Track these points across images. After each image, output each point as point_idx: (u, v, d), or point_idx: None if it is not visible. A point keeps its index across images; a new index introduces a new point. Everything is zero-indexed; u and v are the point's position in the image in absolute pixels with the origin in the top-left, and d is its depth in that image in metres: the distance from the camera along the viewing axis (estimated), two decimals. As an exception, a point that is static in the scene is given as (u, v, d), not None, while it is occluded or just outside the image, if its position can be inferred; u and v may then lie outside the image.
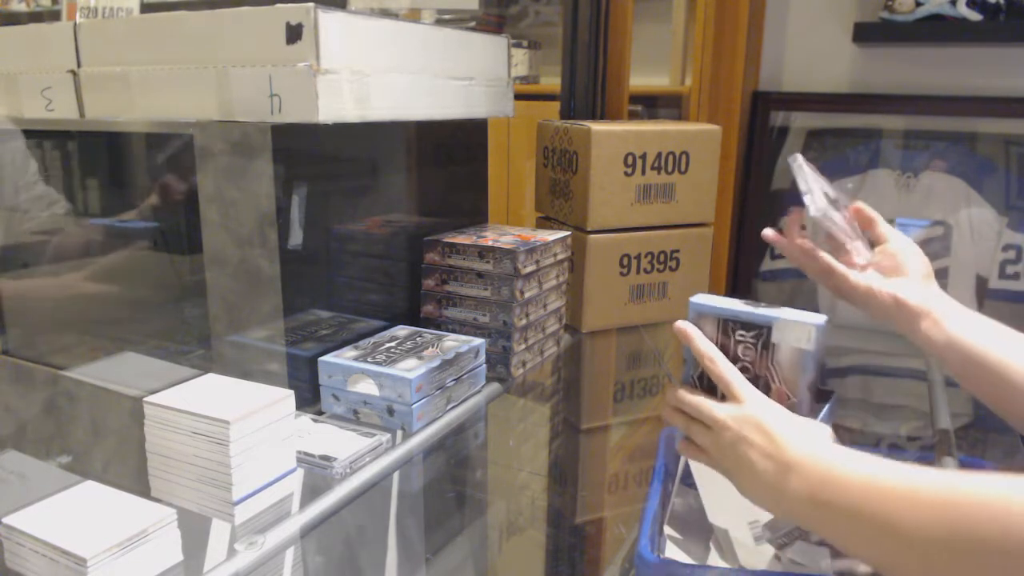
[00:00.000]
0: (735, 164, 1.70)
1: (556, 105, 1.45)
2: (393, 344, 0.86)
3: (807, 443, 0.53)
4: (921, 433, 0.99)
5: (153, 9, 0.93)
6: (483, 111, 1.01)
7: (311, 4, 0.71)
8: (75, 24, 0.85)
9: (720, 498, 0.67)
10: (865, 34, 1.62)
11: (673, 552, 0.65)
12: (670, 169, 1.18)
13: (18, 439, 0.89)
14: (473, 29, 1.00)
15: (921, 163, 1.67)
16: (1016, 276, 1.59)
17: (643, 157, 1.15)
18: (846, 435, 0.92)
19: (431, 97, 0.90)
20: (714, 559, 0.65)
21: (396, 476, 0.75)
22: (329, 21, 0.73)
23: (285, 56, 0.73)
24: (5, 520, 0.56)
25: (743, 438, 0.56)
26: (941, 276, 1.63)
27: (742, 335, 0.61)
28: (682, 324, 0.62)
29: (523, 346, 0.96)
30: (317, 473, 0.70)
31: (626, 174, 1.14)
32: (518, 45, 2.16)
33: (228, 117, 0.77)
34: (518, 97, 1.10)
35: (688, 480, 0.70)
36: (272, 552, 0.60)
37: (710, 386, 0.61)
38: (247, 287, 0.79)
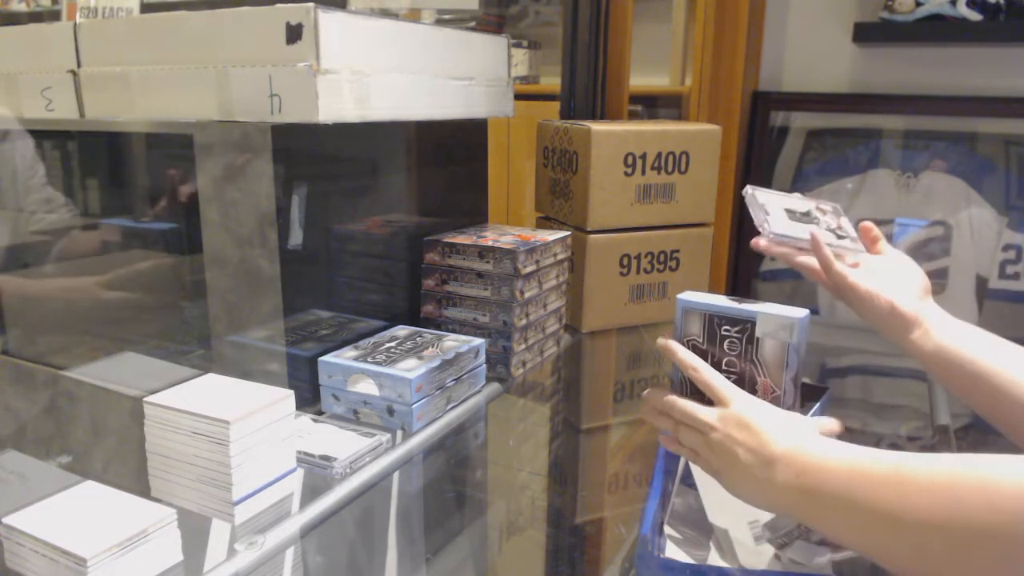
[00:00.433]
0: (735, 164, 1.70)
1: (556, 105, 1.45)
2: (393, 344, 0.86)
3: (791, 436, 0.54)
4: (921, 433, 0.99)
5: (153, 9, 0.93)
6: (483, 111, 1.01)
7: (311, 4, 0.71)
8: (75, 24, 0.85)
9: (720, 498, 0.67)
10: (865, 34, 1.62)
11: (673, 552, 0.65)
12: (670, 169, 1.18)
13: (18, 439, 0.89)
14: (473, 29, 1.00)
15: (921, 163, 1.67)
16: (1016, 276, 1.59)
17: (643, 157, 1.15)
18: (846, 435, 0.92)
19: (431, 97, 0.90)
20: (714, 559, 0.65)
21: (396, 476, 0.75)
22: (329, 21, 0.73)
23: (285, 56, 0.73)
24: (5, 520, 0.56)
25: (728, 436, 0.57)
26: (941, 276, 1.63)
27: (727, 330, 0.62)
28: (662, 341, 0.64)
29: (523, 346, 0.96)
30: (317, 473, 0.70)
31: (626, 174, 1.14)
32: (518, 45, 2.16)
33: (228, 117, 0.77)
34: (518, 97, 1.10)
35: (688, 480, 0.70)
36: (272, 552, 0.60)
37: (695, 389, 0.62)
38: (247, 287, 0.79)
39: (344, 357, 0.82)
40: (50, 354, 0.94)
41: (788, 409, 0.60)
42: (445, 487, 0.82)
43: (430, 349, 0.85)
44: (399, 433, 0.78)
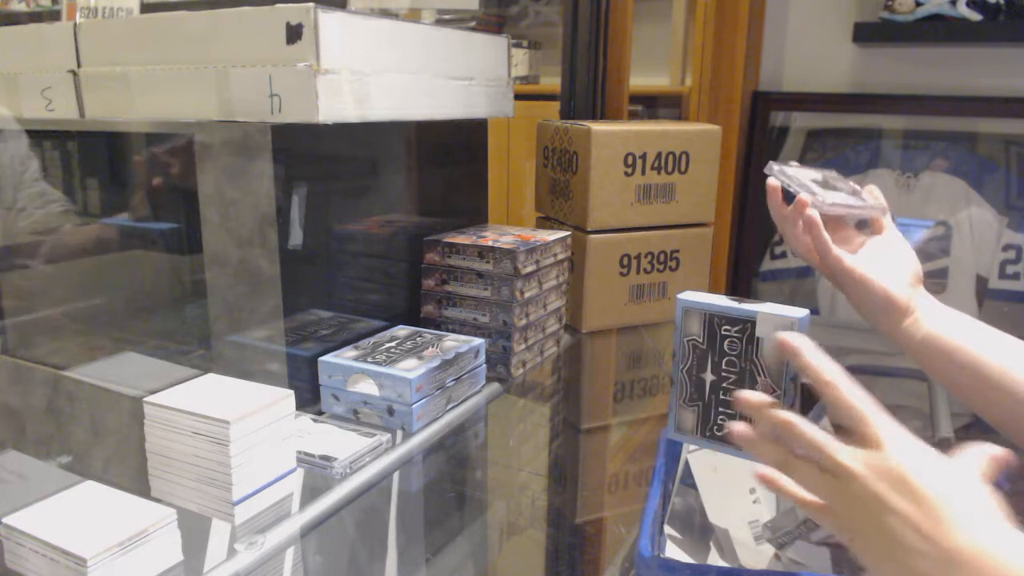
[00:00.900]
0: (735, 164, 1.70)
1: (556, 105, 1.45)
2: (393, 344, 0.86)
3: (978, 525, 0.40)
4: (921, 433, 0.99)
5: (153, 9, 0.93)
6: (483, 111, 1.01)
7: (311, 4, 0.71)
8: (75, 24, 0.85)
9: (720, 498, 0.67)
10: (865, 34, 1.62)
11: (673, 552, 0.65)
12: (670, 169, 1.18)
13: (18, 439, 0.89)
14: (473, 29, 1.00)
15: (921, 163, 1.67)
16: (1016, 276, 1.59)
17: (643, 157, 1.15)
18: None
19: (431, 97, 0.90)
20: (714, 559, 0.65)
21: (396, 476, 0.75)
22: (329, 21, 0.73)
23: (285, 56, 0.73)
24: (5, 520, 0.56)
25: (880, 496, 0.42)
26: (941, 276, 1.63)
27: (727, 330, 0.63)
28: (786, 336, 0.50)
29: (523, 346, 0.96)
30: (317, 473, 0.70)
31: (626, 174, 1.14)
32: (518, 45, 2.16)
33: (228, 117, 0.77)
34: (518, 97, 1.10)
35: (688, 480, 0.70)
36: (272, 552, 0.60)
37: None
38: (247, 287, 0.79)
39: (344, 357, 0.82)
40: (50, 354, 0.94)
41: (788, 409, 0.60)
42: (445, 487, 0.82)
43: (430, 349, 0.85)
44: (399, 433, 0.78)
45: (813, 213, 0.67)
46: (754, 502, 0.68)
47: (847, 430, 0.46)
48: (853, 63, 1.72)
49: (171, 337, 0.90)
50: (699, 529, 0.68)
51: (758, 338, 0.62)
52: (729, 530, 0.66)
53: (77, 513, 0.57)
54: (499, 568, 0.75)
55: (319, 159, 0.85)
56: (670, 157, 1.17)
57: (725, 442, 0.63)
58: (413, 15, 1.23)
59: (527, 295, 0.95)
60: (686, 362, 0.64)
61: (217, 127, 0.78)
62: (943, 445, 0.82)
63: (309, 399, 0.83)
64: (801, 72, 1.76)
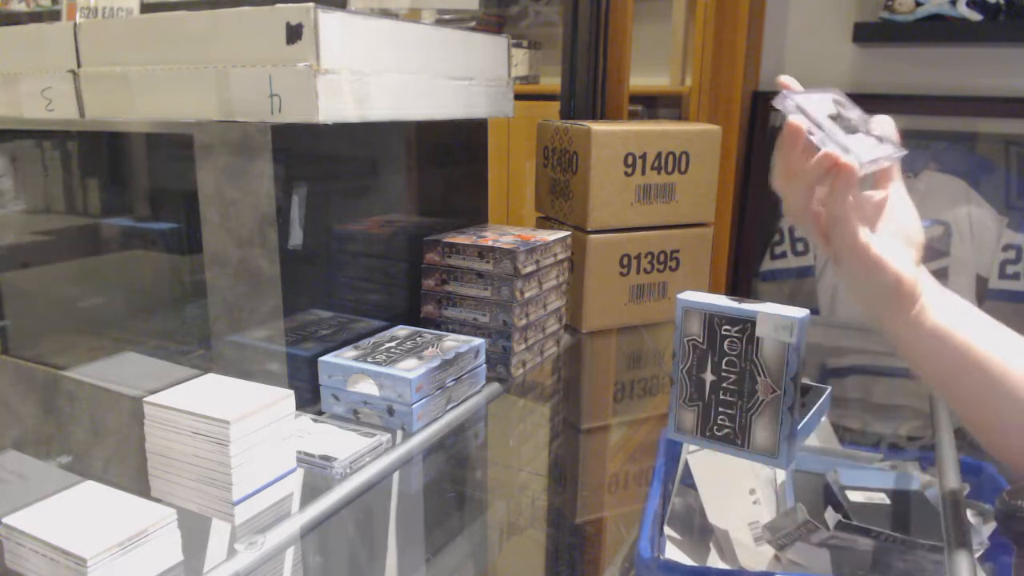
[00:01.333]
0: (735, 164, 1.70)
1: (556, 105, 1.45)
2: (393, 344, 0.86)
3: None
4: (921, 433, 0.99)
5: (153, 9, 0.93)
6: (483, 111, 1.01)
7: (311, 4, 0.71)
8: (75, 24, 0.85)
9: (720, 498, 0.67)
10: (865, 34, 1.62)
11: (673, 553, 0.65)
12: (670, 169, 1.18)
13: (18, 439, 0.89)
14: (473, 29, 1.00)
15: (921, 163, 1.67)
16: (1016, 276, 1.59)
17: (643, 157, 1.15)
18: (846, 435, 0.92)
19: (431, 97, 0.90)
20: (714, 560, 0.65)
21: (396, 476, 0.75)
22: (329, 21, 0.73)
23: (285, 56, 0.73)
24: (5, 520, 0.56)
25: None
26: (941, 276, 1.63)
27: (727, 329, 0.63)
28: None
29: (523, 346, 0.96)
30: (317, 473, 0.70)
31: (626, 174, 1.14)
32: (518, 45, 2.16)
33: (228, 117, 0.77)
34: (518, 97, 1.10)
35: (688, 480, 0.70)
36: (272, 552, 0.60)
37: (697, 385, 0.62)
38: (247, 287, 0.79)
39: (344, 357, 0.82)
40: (50, 354, 0.94)
41: (788, 410, 0.60)
42: (445, 487, 0.82)
43: (430, 349, 0.85)
44: (399, 433, 0.78)
45: (853, 180, 0.55)
46: (754, 503, 0.68)
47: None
48: (853, 63, 1.72)
49: (171, 337, 0.90)
50: (699, 530, 0.68)
51: (758, 338, 0.62)
52: (729, 531, 0.66)
53: (77, 513, 0.57)
54: (499, 568, 0.75)
55: (319, 159, 0.85)
56: (670, 157, 1.17)
57: (725, 442, 0.63)
58: (413, 15, 1.23)
59: (527, 295, 0.95)
60: (686, 362, 0.64)
61: (217, 127, 0.78)
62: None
63: (309, 399, 0.83)
64: (801, 72, 1.76)
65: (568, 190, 1.18)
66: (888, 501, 0.72)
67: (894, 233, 0.58)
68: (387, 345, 0.86)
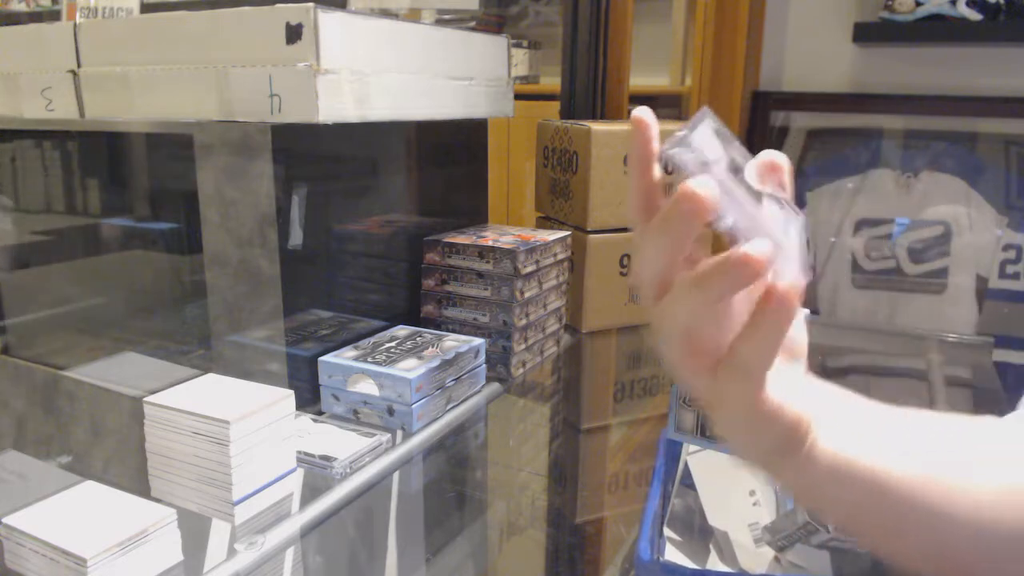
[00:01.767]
0: (735, 164, 1.70)
1: (556, 105, 1.45)
2: (393, 344, 0.86)
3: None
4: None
5: (153, 9, 0.93)
6: (483, 111, 1.01)
7: (311, 4, 0.71)
8: (75, 24, 0.85)
9: (720, 500, 0.67)
10: (865, 34, 1.62)
11: (673, 554, 0.65)
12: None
13: (18, 439, 0.89)
14: (473, 29, 1.00)
15: (921, 163, 1.67)
16: (1016, 276, 1.59)
17: (643, 157, 1.15)
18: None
19: (431, 97, 0.90)
20: (714, 561, 0.65)
21: (396, 476, 0.75)
22: (329, 21, 0.73)
23: (285, 56, 0.73)
24: (5, 520, 0.56)
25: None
26: (941, 276, 1.63)
27: None
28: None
29: (523, 346, 0.96)
30: (317, 473, 0.70)
31: (626, 174, 1.14)
32: (518, 45, 2.16)
33: (228, 117, 0.77)
34: (518, 97, 1.10)
35: (688, 481, 0.70)
36: (272, 552, 0.60)
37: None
38: (247, 287, 0.79)
39: (344, 357, 0.82)
40: (50, 354, 0.94)
41: None
42: (445, 487, 0.82)
43: (430, 349, 0.85)
44: (399, 433, 0.78)
45: (795, 311, 0.35)
46: (754, 504, 0.68)
47: None
48: (853, 63, 1.72)
49: (171, 337, 0.90)
50: (699, 531, 0.68)
51: None
52: (729, 532, 0.66)
53: (77, 513, 0.57)
54: (499, 568, 0.75)
55: (319, 159, 0.85)
56: (670, 157, 1.17)
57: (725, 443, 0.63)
58: (413, 15, 1.23)
59: (527, 295, 0.95)
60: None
61: (217, 127, 0.78)
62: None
63: (309, 399, 0.83)
64: (801, 72, 1.76)
65: (568, 190, 1.18)
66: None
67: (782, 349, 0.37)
68: (387, 345, 0.86)
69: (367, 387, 0.79)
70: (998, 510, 0.40)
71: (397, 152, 0.98)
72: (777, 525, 0.63)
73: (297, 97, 0.73)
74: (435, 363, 0.81)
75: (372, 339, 0.88)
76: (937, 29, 1.55)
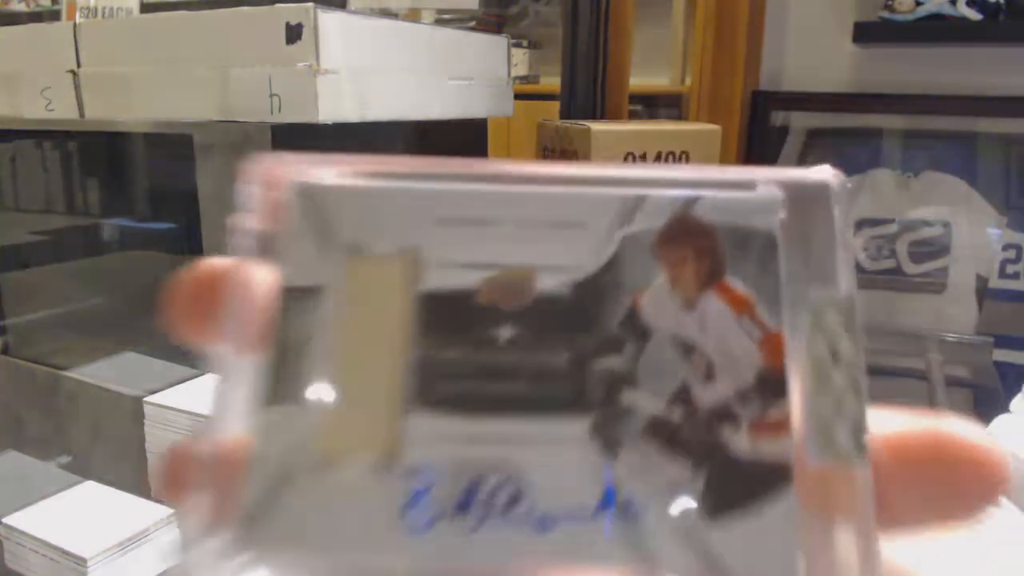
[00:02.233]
0: (735, 164, 1.70)
1: (556, 105, 1.45)
2: (393, 344, 0.86)
3: None
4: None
5: (153, 9, 0.93)
6: (483, 111, 1.01)
7: (311, 4, 0.71)
8: (75, 24, 0.85)
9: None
10: (865, 34, 1.62)
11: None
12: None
13: (18, 439, 0.89)
14: (473, 29, 1.00)
15: (921, 163, 1.67)
16: (1016, 276, 1.59)
17: (643, 157, 1.15)
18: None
19: (431, 97, 0.90)
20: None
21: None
22: (329, 21, 0.73)
23: (285, 56, 0.73)
24: (5, 520, 0.56)
25: None
26: (941, 276, 1.63)
27: None
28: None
29: (523, 346, 0.96)
30: (317, 473, 0.70)
31: (626, 174, 1.14)
32: (518, 45, 2.16)
33: (228, 117, 0.77)
34: (518, 97, 1.10)
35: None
36: (272, 552, 0.60)
37: None
38: (247, 287, 0.79)
39: (344, 357, 0.82)
40: (50, 354, 0.94)
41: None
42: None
43: (430, 349, 0.85)
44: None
45: None
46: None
47: None
48: (853, 63, 1.72)
49: (171, 337, 0.90)
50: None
51: None
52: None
53: (77, 513, 0.57)
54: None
55: (319, 159, 0.85)
56: (670, 157, 1.17)
57: None
58: (413, 15, 1.23)
59: (527, 295, 0.94)
60: None
61: (217, 127, 0.78)
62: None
63: (309, 399, 0.83)
64: (801, 72, 1.76)
65: (568, 190, 1.18)
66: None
67: None
68: (387, 345, 0.86)
69: (367, 387, 0.79)
70: None
71: (397, 152, 0.98)
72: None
73: (297, 97, 0.73)
74: (435, 363, 0.81)
75: (372, 339, 0.88)
76: (937, 29, 1.55)
